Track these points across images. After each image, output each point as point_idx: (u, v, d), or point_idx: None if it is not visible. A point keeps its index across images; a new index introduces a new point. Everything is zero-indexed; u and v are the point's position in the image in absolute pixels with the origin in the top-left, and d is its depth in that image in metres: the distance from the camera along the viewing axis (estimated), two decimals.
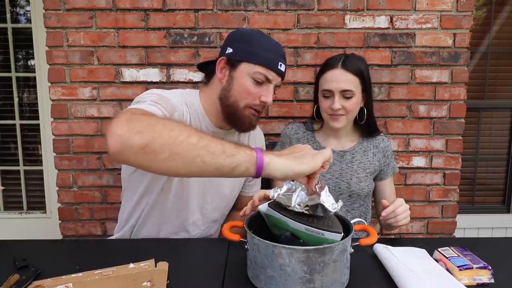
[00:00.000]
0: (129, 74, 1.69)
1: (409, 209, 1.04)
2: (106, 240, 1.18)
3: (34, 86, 1.99)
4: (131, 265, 0.86)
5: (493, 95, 2.17)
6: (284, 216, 0.80)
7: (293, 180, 0.83)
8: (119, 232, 1.19)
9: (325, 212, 0.80)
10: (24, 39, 2.00)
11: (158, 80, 1.69)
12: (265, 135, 1.39)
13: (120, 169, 1.20)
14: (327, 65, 1.24)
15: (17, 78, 2.05)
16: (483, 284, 0.80)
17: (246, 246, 0.80)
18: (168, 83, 1.70)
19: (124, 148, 0.68)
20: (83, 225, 1.78)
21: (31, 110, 2.07)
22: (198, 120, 1.10)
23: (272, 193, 0.84)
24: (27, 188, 2.13)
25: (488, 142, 2.17)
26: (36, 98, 1.99)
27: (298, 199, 0.80)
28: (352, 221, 0.85)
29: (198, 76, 1.68)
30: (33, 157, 2.11)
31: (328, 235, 0.76)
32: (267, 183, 1.38)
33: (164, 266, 0.85)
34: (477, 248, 0.91)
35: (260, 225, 0.87)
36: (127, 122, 0.71)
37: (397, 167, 1.40)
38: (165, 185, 1.07)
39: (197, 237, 1.18)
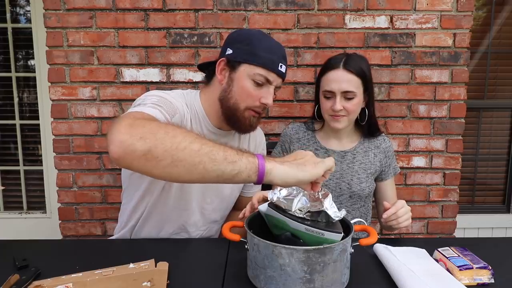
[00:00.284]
0: (129, 74, 1.69)
1: (410, 210, 1.04)
2: (106, 240, 1.18)
3: (34, 86, 1.99)
4: (131, 265, 0.86)
5: (493, 95, 2.17)
6: (284, 216, 0.80)
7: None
8: (119, 233, 1.19)
9: (327, 219, 0.80)
10: (24, 39, 2.00)
11: (158, 80, 1.69)
12: (265, 135, 1.39)
13: (120, 169, 1.20)
14: (329, 65, 1.23)
15: (17, 78, 2.04)
16: (483, 284, 0.80)
17: (246, 246, 0.80)
18: (168, 83, 1.70)
19: (126, 154, 0.69)
20: (83, 225, 1.78)
21: (31, 110, 2.07)
22: (198, 121, 1.10)
23: (271, 195, 0.84)
24: (27, 188, 2.12)
25: (488, 142, 2.17)
26: (36, 98, 1.99)
27: (299, 204, 0.80)
28: (352, 221, 0.85)
29: (198, 76, 1.68)
30: (33, 157, 2.11)
31: (328, 235, 0.76)
32: (268, 183, 1.37)
33: (164, 266, 0.85)
34: (477, 248, 0.91)
35: (260, 225, 0.87)
36: (129, 127, 0.71)
37: (399, 167, 1.39)
38: (165, 186, 1.07)
39: (197, 237, 1.18)
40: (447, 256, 0.86)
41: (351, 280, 0.80)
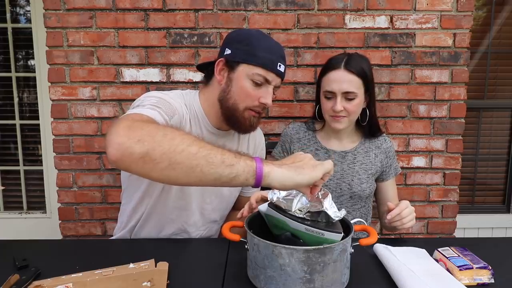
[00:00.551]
0: (129, 74, 1.69)
1: (414, 210, 1.04)
2: (106, 240, 1.18)
3: (34, 86, 1.99)
4: (131, 265, 0.86)
5: (493, 95, 2.17)
6: (284, 216, 0.80)
7: None
8: (119, 233, 1.19)
9: (327, 219, 0.80)
10: (24, 39, 2.00)
11: (158, 80, 1.69)
12: (265, 135, 1.38)
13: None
14: (330, 65, 1.22)
15: (17, 78, 2.04)
16: (483, 284, 0.80)
17: (246, 246, 0.80)
18: (168, 83, 1.70)
19: (124, 157, 0.69)
20: (83, 225, 1.78)
21: (31, 110, 2.07)
22: (197, 121, 1.10)
23: (271, 195, 0.84)
24: (27, 188, 2.12)
25: (488, 142, 2.17)
26: (36, 98, 1.99)
27: (299, 205, 0.80)
28: (352, 221, 0.85)
29: (198, 76, 1.68)
30: (33, 157, 2.11)
31: (328, 235, 0.76)
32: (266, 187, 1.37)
33: (164, 266, 0.85)
34: (477, 248, 0.91)
35: (260, 225, 0.87)
36: (127, 129, 0.71)
37: (400, 168, 1.39)
38: (165, 187, 1.07)
39: (197, 238, 1.18)
40: (447, 256, 0.86)
41: (351, 280, 0.80)
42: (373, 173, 1.31)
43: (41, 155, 2.04)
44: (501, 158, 2.19)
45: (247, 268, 0.82)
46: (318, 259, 0.71)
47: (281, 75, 1.06)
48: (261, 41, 1.04)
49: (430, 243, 0.98)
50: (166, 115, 0.93)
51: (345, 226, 0.82)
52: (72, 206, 1.76)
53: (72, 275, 0.81)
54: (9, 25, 1.99)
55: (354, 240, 0.80)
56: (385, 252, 0.91)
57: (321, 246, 0.71)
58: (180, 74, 1.69)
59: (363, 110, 1.28)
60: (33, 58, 1.97)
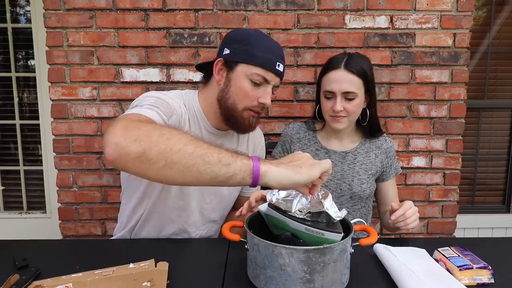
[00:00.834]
0: (129, 74, 1.69)
1: (417, 210, 1.04)
2: (106, 240, 1.19)
3: (34, 86, 1.99)
4: (131, 265, 0.86)
5: (493, 95, 2.17)
6: (284, 216, 0.80)
7: None
8: (119, 233, 1.19)
9: (328, 220, 0.80)
10: (24, 39, 2.00)
11: (158, 80, 1.69)
12: (265, 135, 1.38)
13: None
14: (330, 65, 1.22)
15: (17, 78, 2.04)
16: (483, 284, 0.80)
17: (246, 246, 0.80)
18: (168, 83, 1.70)
19: (120, 157, 0.69)
20: (83, 225, 1.78)
21: (31, 110, 2.07)
22: (196, 121, 1.10)
23: (270, 196, 0.83)
24: (27, 188, 2.12)
25: (488, 142, 2.17)
26: (36, 98, 1.99)
27: (299, 205, 0.80)
28: (352, 221, 0.85)
29: (198, 76, 1.67)
30: (33, 157, 2.11)
31: (328, 235, 0.76)
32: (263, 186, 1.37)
33: (164, 266, 0.85)
34: (477, 248, 0.91)
35: (260, 225, 0.87)
36: (124, 129, 0.71)
37: (400, 168, 1.39)
38: (164, 186, 1.07)
39: (197, 238, 1.18)
40: (447, 256, 0.86)
41: (351, 280, 0.80)
42: (373, 173, 1.30)
43: (41, 155, 2.04)
44: (501, 158, 2.19)
45: (247, 268, 0.82)
46: (318, 259, 0.71)
47: (280, 74, 1.06)
48: (260, 41, 1.03)
49: (430, 243, 0.98)
50: (164, 115, 0.93)
51: (345, 226, 0.82)
52: (72, 206, 1.76)
53: (72, 275, 0.81)
54: (9, 25, 1.99)
55: (354, 240, 0.80)
56: (385, 252, 0.91)
57: (321, 246, 0.71)
58: (180, 74, 1.69)
59: (364, 110, 1.28)
60: (33, 58, 1.97)
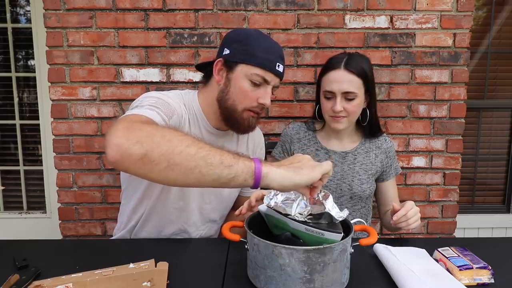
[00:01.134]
0: (129, 74, 1.69)
1: (419, 211, 1.04)
2: (106, 240, 1.19)
3: (34, 86, 1.99)
4: (131, 265, 0.86)
5: (493, 95, 2.17)
6: (284, 216, 0.80)
7: None
8: (119, 233, 1.19)
9: (330, 220, 0.80)
10: (24, 39, 2.00)
11: (158, 80, 1.69)
12: (265, 135, 1.38)
13: None
14: (330, 65, 1.22)
15: (17, 78, 2.04)
16: (483, 284, 0.80)
17: (246, 246, 0.80)
18: (168, 83, 1.70)
19: (123, 158, 0.69)
20: (83, 225, 1.78)
21: (31, 110, 2.07)
22: (196, 121, 1.10)
23: (267, 200, 0.83)
24: (27, 188, 2.12)
25: (488, 142, 2.17)
26: (36, 98, 1.99)
27: (298, 209, 0.80)
28: (352, 221, 0.85)
29: (198, 76, 1.67)
30: (33, 157, 2.11)
31: (328, 235, 0.76)
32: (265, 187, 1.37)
33: (164, 266, 0.85)
34: (477, 248, 0.91)
35: (260, 225, 0.87)
36: (126, 130, 0.71)
37: (400, 168, 1.39)
38: (164, 187, 1.07)
39: (197, 238, 1.18)
40: (447, 256, 0.86)
41: (351, 280, 0.80)
42: (373, 174, 1.30)
43: (41, 155, 2.04)
44: (501, 158, 2.19)
45: (247, 268, 0.82)
46: (318, 259, 0.71)
47: (279, 75, 1.05)
48: (260, 41, 1.03)
49: (430, 243, 0.98)
50: (165, 116, 0.93)
51: (345, 226, 0.82)
52: (72, 206, 1.76)
53: (72, 275, 0.81)
54: (9, 25, 1.99)
55: (354, 240, 0.80)
56: (385, 252, 0.91)
57: (321, 246, 0.71)
58: (180, 74, 1.69)
59: (364, 110, 1.28)
60: (33, 58, 1.97)
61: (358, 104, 1.21)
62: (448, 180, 1.79)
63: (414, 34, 1.69)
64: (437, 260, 0.88)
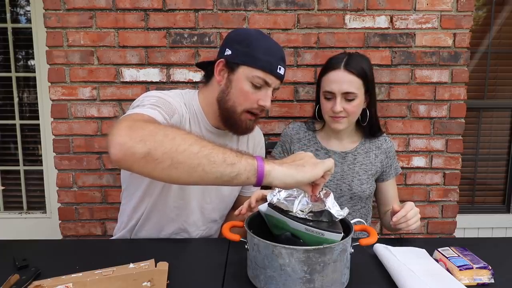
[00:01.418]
0: (129, 74, 1.69)
1: (419, 211, 1.04)
2: (106, 240, 1.19)
3: (34, 86, 1.99)
4: (131, 265, 0.86)
5: (493, 95, 2.17)
6: (284, 216, 0.80)
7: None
8: (119, 233, 1.19)
9: (330, 218, 0.80)
10: (24, 39, 2.00)
11: (158, 80, 1.69)
12: (265, 135, 1.38)
13: (120, 169, 1.19)
14: (330, 65, 1.22)
15: (17, 78, 2.04)
16: (483, 284, 0.80)
17: (246, 246, 0.80)
18: (168, 83, 1.70)
19: (126, 157, 0.69)
20: (83, 225, 1.78)
21: (31, 110, 2.07)
22: (196, 121, 1.10)
23: (270, 197, 0.83)
24: (27, 188, 2.12)
25: (488, 142, 2.17)
26: (36, 98, 1.99)
27: (300, 206, 0.80)
28: (352, 221, 0.85)
29: (198, 76, 1.68)
30: (33, 157, 2.11)
31: (328, 235, 0.76)
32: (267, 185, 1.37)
33: (164, 266, 0.85)
34: (477, 248, 0.91)
35: (260, 225, 0.87)
36: (129, 129, 0.71)
37: (400, 168, 1.39)
38: (165, 186, 1.07)
39: (197, 237, 1.18)
40: (447, 256, 0.86)
41: (351, 280, 0.80)
42: (373, 174, 1.30)
43: (41, 155, 2.04)
44: (501, 158, 2.19)
45: (247, 268, 0.82)
46: (318, 259, 0.71)
47: (281, 77, 1.06)
48: (261, 43, 1.03)
49: (430, 243, 0.98)
50: (166, 115, 0.93)
51: (345, 226, 0.82)
52: (72, 206, 1.76)
53: (72, 275, 0.81)
54: (9, 25, 1.99)
55: (354, 240, 0.80)
56: (385, 252, 0.91)
57: (321, 246, 0.71)
58: (180, 74, 1.69)
59: (364, 110, 1.28)
60: (33, 58, 1.97)
61: (358, 105, 1.21)
62: (448, 180, 1.79)
63: (414, 34, 1.69)
64: (437, 260, 0.88)
